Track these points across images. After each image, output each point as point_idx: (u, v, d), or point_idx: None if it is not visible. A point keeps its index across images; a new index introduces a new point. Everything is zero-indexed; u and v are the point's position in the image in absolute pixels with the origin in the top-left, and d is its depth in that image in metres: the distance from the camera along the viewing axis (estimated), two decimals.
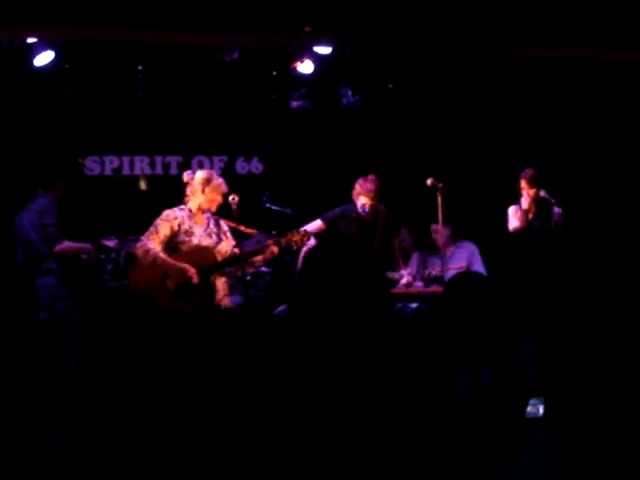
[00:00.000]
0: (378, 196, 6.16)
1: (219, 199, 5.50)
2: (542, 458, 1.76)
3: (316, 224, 6.23)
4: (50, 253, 6.04)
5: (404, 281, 6.22)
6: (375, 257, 1.87)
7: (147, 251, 5.31)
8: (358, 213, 6.19)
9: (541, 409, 1.75)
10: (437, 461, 1.65)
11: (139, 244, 5.37)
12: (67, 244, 6.11)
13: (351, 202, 6.28)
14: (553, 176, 6.47)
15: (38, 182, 6.35)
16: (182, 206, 5.49)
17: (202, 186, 5.44)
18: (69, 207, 6.95)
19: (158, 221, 5.39)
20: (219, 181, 5.53)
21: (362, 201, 6.13)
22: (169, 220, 5.39)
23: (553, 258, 1.95)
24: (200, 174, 5.56)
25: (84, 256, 6.15)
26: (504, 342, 1.97)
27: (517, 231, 5.91)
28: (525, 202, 5.99)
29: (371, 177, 6.17)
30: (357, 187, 6.17)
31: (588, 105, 7.94)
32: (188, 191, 5.50)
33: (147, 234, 5.36)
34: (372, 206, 6.12)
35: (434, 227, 6.89)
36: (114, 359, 2.11)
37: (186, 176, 5.57)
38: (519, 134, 8.06)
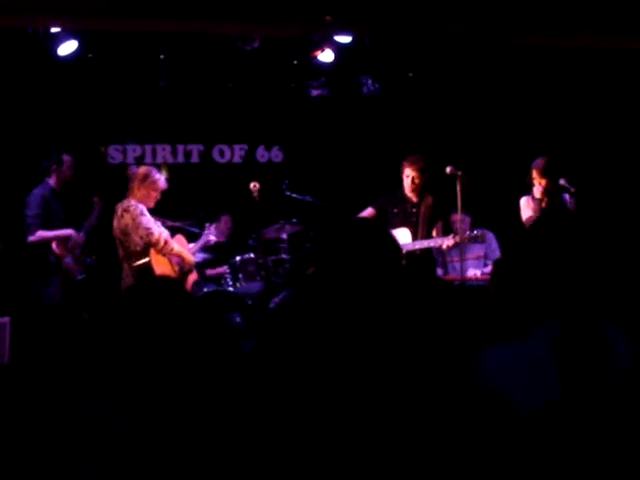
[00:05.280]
0: (422, 174, 6.17)
1: (155, 195, 5.73)
2: None
3: (367, 211, 6.31)
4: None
5: (450, 243, 5.97)
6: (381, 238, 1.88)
7: (167, 241, 5.61)
8: (404, 195, 6.24)
9: None
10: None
11: (159, 236, 5.57)
12: (40, 234, 6.29)
13: (399, 189, 6.32)
14: (571, 164, 6.46)
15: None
16: (131, 200, 5.64)
17: (138, 182, 5.69)
18: (92, 195, 7.05)
19: (147, 216, 5.57)
20: (155, 177, 5.75)
21: (406, 173, 6.20)
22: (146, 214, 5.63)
23: (574, 241, 1.96)
24: (141, 170, 5.83)
25: (54, 246, 6.32)
26: (523, 325, 1.98)
27: (537, 217, 5.91)
28: (537, 191, 5.97)
29: (418, 155, 6.28)
30: (403, 162, 6.25)
31: (605, 94, 7.90)
32: (130, 185, 5.73)
33: (151, 226, 5.55)
34: (414, 180, 6.16)
35: (454, 216, 6.90)
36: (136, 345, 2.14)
37: (129, 171, 5.93)
38: (538, 123, 8.03)
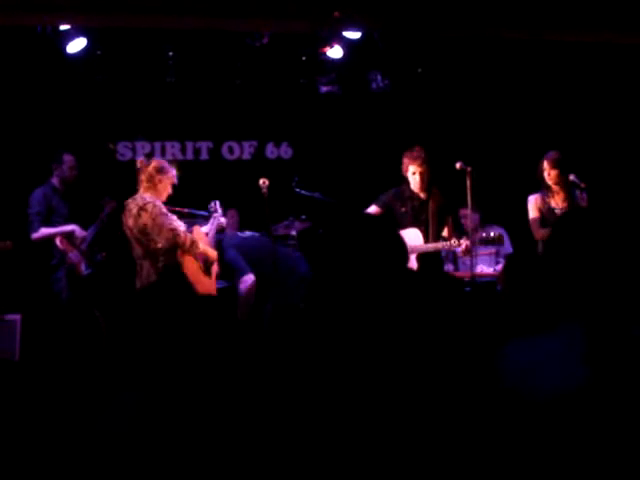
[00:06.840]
0: (427, 166, 5.99)
1: (169, 189, 5.59)
2: None
3: (371, 209, 6.13)
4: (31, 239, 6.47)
5: (462, 247, 5.81)
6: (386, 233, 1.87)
7: (193, 241, 5.50)
8: (411, 192, 6.06)
9: None
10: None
11: (185, 237, 5.45)
12: (43, 231, 6.42)
13: (403, 183, 6.14)
14: (582, 160, 6.43)
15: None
16: (145, 195, 5.46)
17: (157, 173, 5.51)
18: (101, 192, 7.07)
19: (168, 215, 5.45)
20: (172, 172, 5.62)
21: (412, 170, 5.98)
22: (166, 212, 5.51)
23: (594, 238, 1.93)
24: (155, 162, 5.63)
25: (58, 241, 6.42)
26: (542, 322, 1.96)
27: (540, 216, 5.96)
28: (550, 179, 5.99)
29: (416, 147, 6.06)
30: (405, 159, 6.03)
31: (616, 90, 7.86)
32: (141, 178, 5.53)
33: (175, 226, 5.42)
34: (423, 176, 5.98)
35: (463, 212, 6.88)
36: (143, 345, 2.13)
37: (139, 163, 5.65)
38: (547, 118, 8.00)
